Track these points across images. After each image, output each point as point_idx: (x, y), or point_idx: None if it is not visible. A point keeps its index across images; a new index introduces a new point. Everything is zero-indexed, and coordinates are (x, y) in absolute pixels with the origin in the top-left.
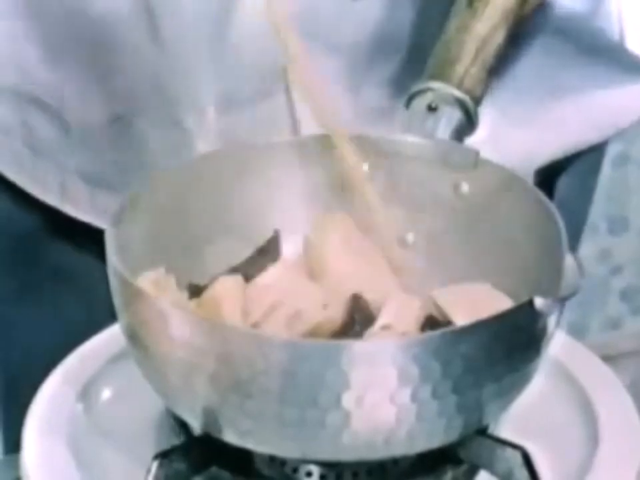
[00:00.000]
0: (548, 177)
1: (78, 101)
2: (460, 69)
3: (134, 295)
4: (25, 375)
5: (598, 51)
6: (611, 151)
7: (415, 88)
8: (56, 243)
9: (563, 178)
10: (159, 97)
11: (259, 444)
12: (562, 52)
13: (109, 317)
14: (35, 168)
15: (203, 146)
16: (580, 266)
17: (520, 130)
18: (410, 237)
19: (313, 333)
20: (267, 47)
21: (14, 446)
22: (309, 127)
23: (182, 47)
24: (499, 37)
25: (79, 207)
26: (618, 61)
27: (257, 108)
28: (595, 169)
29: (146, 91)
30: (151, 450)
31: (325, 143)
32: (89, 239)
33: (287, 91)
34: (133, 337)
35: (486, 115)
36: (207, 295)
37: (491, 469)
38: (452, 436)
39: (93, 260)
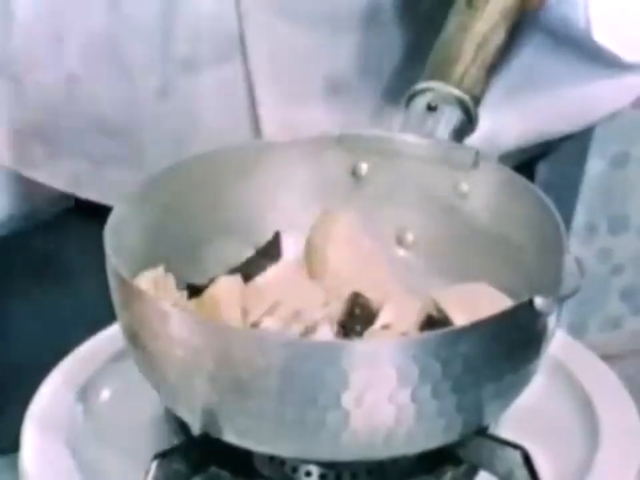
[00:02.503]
0: (529, 164)
1: (30, 59)
2: (460, 68)
3: (133, 294)
4: (17, 370)
5: (565, 40)
6: (611, 151)
7: (415, 87)
8: (47, 236)
9: (543, 165)
10: (113, 55)
11: (258, 444)
12: (532, 38)
13: (102, 309)
14: None
15: (159, 106)
16: (580, 265)
17: (486, 113)
18: (410, 237)
19: (312, 331)
20: (223, 11)
21: (13, 446)
22: (265, 92)
23: (137, 9)
24: (499, 37)
25: (37, 169)
26: (586, 51)
27: (214, 72)
28: (580, 159)
29: (101, 52)
30: (150, 450)
31: (324, 143)
32: (81, 231)
33: (244, 56)
34: (132, 336)
35: None
36: (206, 295)
37: (491, 469)
38: (452, 436)
39: (84, 253)
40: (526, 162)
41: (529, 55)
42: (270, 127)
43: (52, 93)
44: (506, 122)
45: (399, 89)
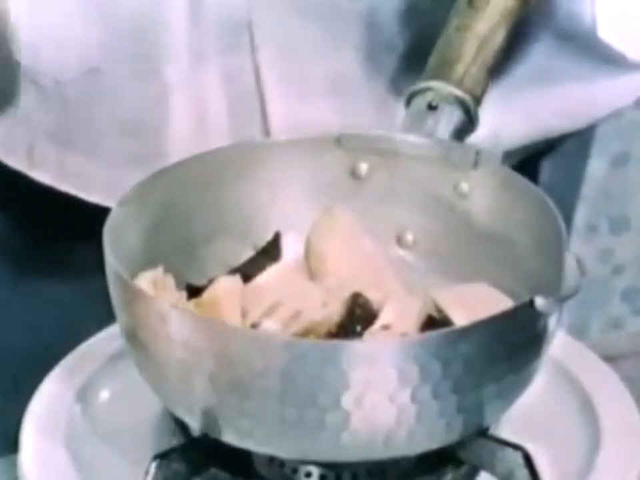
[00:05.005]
0: (533, 160)
1: (53, 55)
2: (460, 68)
3: (133, 295)
4: (16, 370)
5: (570, 38)
6: (612, 150)
7: (415, 87)
8: (53, 230)
9: (548, 162)
10: (137, 46)
11: (258, 445)
12: (537, 35)
13: (106, 305)
14: (4, 131)
15: (178, 100)
16: (581, 266)
17: (490, 111)
18: (410, 237)
19: (312, 331)
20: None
21: (12, 446)
22: (272, 85)
23: None
24: (500, 37)
25: (46, 171)
26: (591, 49)
27: (223, 61)
28: (582, 158)
29: (124, 40)
30: (150, 451)
31: (324, 143)
32: (86, 226)
33: (252, 44)
34: (132, 337)
35: None
36: (206, 295)
37: (492, 470)
38: (452, 437)
39: (89, 247)
40: (529, 159)
41: (534, 54)
42: (277, 120)
43: (71, 91)
44: (511, 120)
45: (401, 88)
